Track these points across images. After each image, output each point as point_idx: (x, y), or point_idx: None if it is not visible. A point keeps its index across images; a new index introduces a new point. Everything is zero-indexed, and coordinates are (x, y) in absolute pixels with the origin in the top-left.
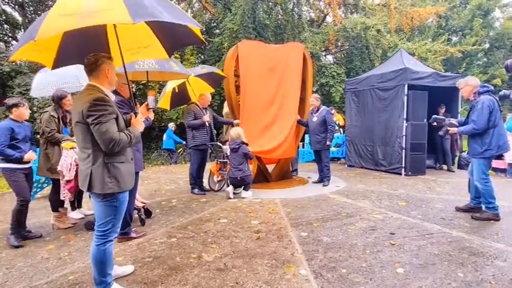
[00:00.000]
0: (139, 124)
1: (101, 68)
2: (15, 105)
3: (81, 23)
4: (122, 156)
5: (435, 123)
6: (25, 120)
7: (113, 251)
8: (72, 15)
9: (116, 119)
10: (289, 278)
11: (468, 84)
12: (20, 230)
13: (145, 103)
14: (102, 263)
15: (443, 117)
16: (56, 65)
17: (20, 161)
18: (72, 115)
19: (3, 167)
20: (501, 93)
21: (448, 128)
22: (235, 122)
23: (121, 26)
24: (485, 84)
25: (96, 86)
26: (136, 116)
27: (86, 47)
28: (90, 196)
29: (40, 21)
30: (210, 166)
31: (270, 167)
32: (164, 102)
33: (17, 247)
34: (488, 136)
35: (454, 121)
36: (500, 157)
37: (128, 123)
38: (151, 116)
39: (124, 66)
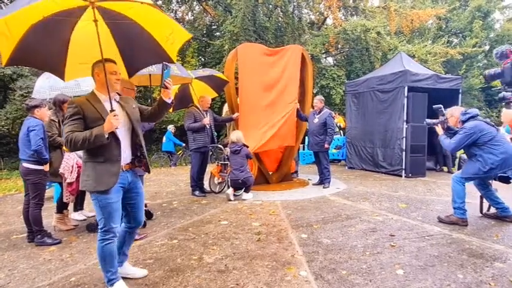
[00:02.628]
0: (107, 123)
1: (94, 73)
2: (38, 106)
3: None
4: (99, 156)
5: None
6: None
7: (113, 253)
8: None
9: (84, 119)
10: (290, 279)
11: (453, 116)
12: (43, 228)
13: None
14: (101, 259)
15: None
16: (11, 62)
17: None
18: None
19: (37, 168)
20: (500, 95)
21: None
22: (234, 116)
23: (81, 35)
24: (467, 111)
25: (92, 90)
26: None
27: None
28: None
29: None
30: (210, 168)
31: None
32: None
33: (58, 243)
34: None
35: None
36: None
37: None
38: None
39: (104, 67)
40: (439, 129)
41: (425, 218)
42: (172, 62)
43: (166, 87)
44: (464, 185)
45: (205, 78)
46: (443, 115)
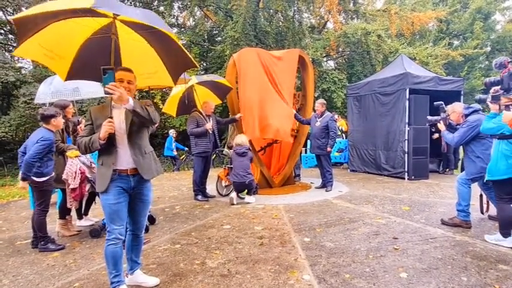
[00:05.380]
0: (101, 130)
1: None
2: (54, 116)
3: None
4: (99, 160)
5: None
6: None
7: (114, 255)
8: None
9: (92, 125)
10: (293, 283)
11: (455, 111)
12: (47, 235)
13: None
14: (105, 260)
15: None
16: (69, 77)
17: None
18: None
19: (41, 180)
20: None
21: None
22: (237, 116)
23: (127, 49)
24: (470, 106)
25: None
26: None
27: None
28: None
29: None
30: (218, 172)
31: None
32: (169, 107)
33: (62, 249)
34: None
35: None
36: None
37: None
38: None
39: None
40: (441, 126)
41: (429, 220)
42: (195, 66)
43: (109, 93)
44: (470, 187)
45: (209, 85)
46: (445, 111)
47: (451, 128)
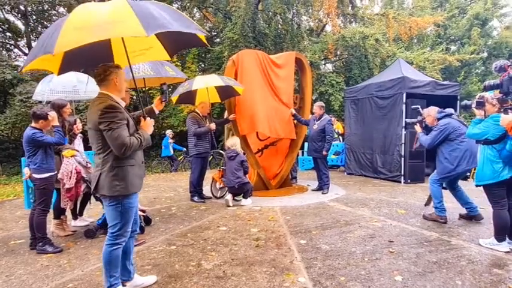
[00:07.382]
0: (148, 127)
1: (109, 78)
2: (45, 118)
3: (95, 36)
4: (131, 159)
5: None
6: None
7: (118, 258)
8: (84, 28)
9: (127, 124)
10: (288, 285)
11: (430, 115)
12: (46, 236)
13: (159, 97)
14: (107, 264)
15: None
16: (61, 71)
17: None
18: (87, 121)
19: (41, 177)
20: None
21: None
22: (231, 117)
23: None
24: (442, 110)
25: (106, 94)
26: (145, 119)
27: (90, 52)
28: (96, 200)
29: (52, 34)
30: (212, 174)
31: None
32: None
33: (59, 251)
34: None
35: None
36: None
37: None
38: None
39: (132, 73)
40: (417, 128)
41: (424, 224)
42: (204, 45)
43: (164, 101)
44: (440, 186)
45: (221, 89)
46: (421, 115)
47: (429, 130)
